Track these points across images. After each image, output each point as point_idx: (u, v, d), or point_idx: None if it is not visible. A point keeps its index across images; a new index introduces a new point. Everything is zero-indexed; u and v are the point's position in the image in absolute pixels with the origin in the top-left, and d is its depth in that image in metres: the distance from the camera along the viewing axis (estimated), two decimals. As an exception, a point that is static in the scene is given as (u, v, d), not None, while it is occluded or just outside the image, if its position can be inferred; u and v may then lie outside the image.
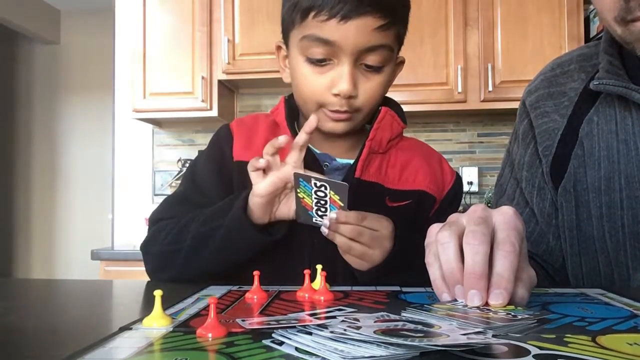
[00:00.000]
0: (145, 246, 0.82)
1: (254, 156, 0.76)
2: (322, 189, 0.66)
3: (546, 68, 0.87)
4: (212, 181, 0.83)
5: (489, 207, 0.55)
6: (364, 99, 0.76)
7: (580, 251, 0.77)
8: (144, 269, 0.81)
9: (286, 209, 0.73)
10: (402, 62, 0.86)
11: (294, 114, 0.86)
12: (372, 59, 0.74)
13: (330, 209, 0.67)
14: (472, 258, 0.48)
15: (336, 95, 0.74)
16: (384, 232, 0.69)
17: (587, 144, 0.75)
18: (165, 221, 0.81)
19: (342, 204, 0.66)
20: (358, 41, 0.72)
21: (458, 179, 0.87)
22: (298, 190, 0.68)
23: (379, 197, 0.79)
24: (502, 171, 0.91)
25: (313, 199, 0.67)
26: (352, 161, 0.81)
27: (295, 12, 0.75)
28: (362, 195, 0.75)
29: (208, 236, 0.74)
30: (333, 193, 0.66)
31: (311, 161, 0.79)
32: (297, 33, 0.76)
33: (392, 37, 0.76)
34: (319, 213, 0.68)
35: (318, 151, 0.84)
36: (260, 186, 0.70)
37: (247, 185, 0.75)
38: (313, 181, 0.66)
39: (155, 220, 0.84)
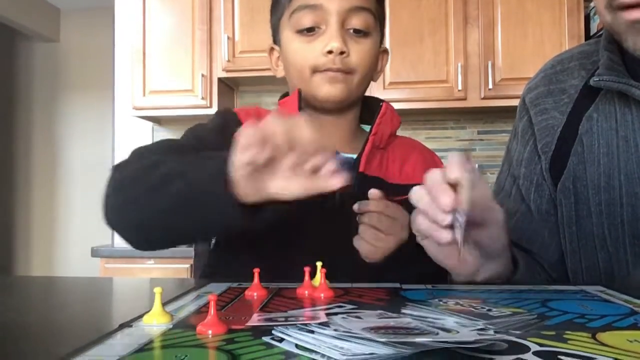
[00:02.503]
0: (116, 168, 0.70)
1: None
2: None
3: (546, 65, 0.87)
4: (216, 139, 0.77)
5: None
6: (356, 59, 0.80)
7: (579, 248, 0.77)
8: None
9: (278, 189, 0.54)
10: (386, 51, 0.91)
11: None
12: (356, 22, 0.80)
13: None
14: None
15: (329, 53, 0.78)
16: (402, 220, 0.71)
17: (587, 141, 0.75)
18: (149, 153, 0.71)
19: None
20: (342, 3, 0.79)
21: None
22: None
23: (382, 192, 0.80)
24: (502, 168, 0.91)
25: None
26: (353, 156, 0.83)
27: (283, 0, 0.83)
28: (366, 189, 0.76)
29: (180, 177, 0.59)
30: None
31: None
32: (287, 14, 0.83)
33: (372, 3, 0.83)
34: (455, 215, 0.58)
35: None
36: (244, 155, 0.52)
37: None
38: None
39: (138, 153, 0.74)
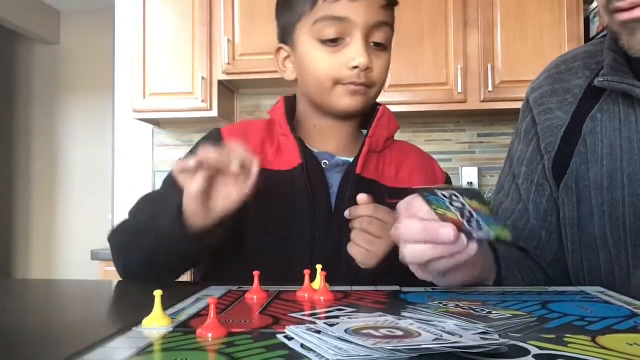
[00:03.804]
0: (111, 231, 0.83)
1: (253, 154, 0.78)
2: (454, 198, 0.55)
3: (551, 65, 0.87)
4: None
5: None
6: (378, 73, 0.82)
7: (581, 248, 0.77)
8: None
9: (225, 200, 0.68)
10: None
11: (292, 114, 0.89)
12: (379, 36, 0.81)
13: (479, 218, 0.54)
14: None
15: (354, 68, 0.79)
16: (393, 223, 0.71)
17: (590, 141, 0.76)
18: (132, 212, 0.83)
19: (488, 210, 0.53)
20: (368, 17, 0.79)
21: (448, 180, 0.92)
22: (434, 208, 0.55)
23: (378, 194, 0.81)
24: (504, 168, 0.92)
25: (454, 211, 0.54)
26: (350, 159, 0.84)
27: (302, 4, 0.82)
28: (362, 191, 0.77)
29: (147, 228, 0.74)
30: (470, 201, 0.54)
31: (310, 159, 0.82)
32: (308, 21, 0.81)
33: (392, 18, 0.85)
34: (472, 225, 0.55)
35: (316, 150, 0.85)
36: (193, 185, 0.65)
37: None
38: (440, 193, 0.54)
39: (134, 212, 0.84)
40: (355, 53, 0.78)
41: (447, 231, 0.52)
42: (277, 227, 0.81)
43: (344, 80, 0.80)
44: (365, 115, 0.89)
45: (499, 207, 0.87)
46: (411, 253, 0.55)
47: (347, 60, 0.79)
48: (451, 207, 0.53)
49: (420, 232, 0.53)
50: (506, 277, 0.71)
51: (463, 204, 0.52)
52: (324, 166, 0.84)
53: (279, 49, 0.88)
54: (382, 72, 0.82)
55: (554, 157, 0.80)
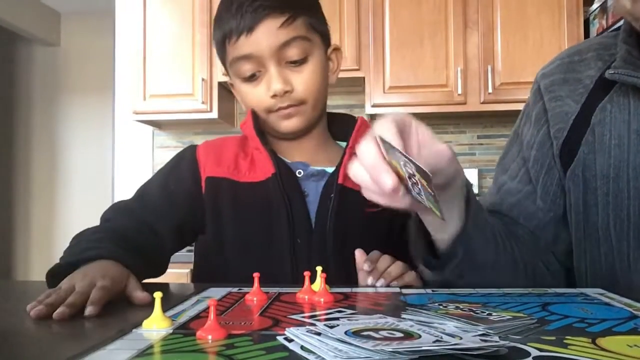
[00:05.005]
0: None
1: (226, 170, 0.83)
2: (408, 168, 0.52)
3: (563, 54, 0.88)
4: (161, 203, 0.85)
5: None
6: (302, 89, 0.82)
7: (585, 237, 0.77)
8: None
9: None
10: (338, 48, 0.91)
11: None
12: (291, 53, 0.81)
13: (421, 189, 0.53)
14: None
15: (274, 96, 0.81)
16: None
17: (599, 131, 0.76)
18: (104, 225, 0.83)
19: (433, 192, 0.52)
20: (269, 43, 0.80)
21: None
22: (389, 157, 0.54)
23: (358, 203, 0.82)
24: (507, 150, 0.90)
25: (405, 171, 0.53)
26: (326, 168, 0.86)
27: (220, 51, 0.86)
28: (344, 200, 0.81)
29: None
30: (419, 177, 0.52)
31: (283, 169, 0.84)
32: (228, 63, 0.86)
33: (303, 28, 0.82)
34: (414, 190, 0.54)
35: (289, 161, 0.87)
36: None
37: (220, 200, 0.82)
38: (397, 153, 0.51)
39: (103, 220, 0.85)
40: (269, 82, 0.81)
41: (387, 180, 0.50)
42: (257, 235, 0.82)
43: (272, 108, 0.83)
44: (342, 129, 0.92)
45: (501, 187, 0.87)
46: (354, 172, 0.55)
47: (266, 90, 0.82)
48: (403, 168, 0.52)
49: (369, 162, 0.52)
50: (474, 237, 0.67)
51: (413, 173, 0.51)
52: (298, 175, 0.85)
53: (232, 84, 0.92)
54: (308, 86, 0.83)
55: (561, 144, 0.80)
